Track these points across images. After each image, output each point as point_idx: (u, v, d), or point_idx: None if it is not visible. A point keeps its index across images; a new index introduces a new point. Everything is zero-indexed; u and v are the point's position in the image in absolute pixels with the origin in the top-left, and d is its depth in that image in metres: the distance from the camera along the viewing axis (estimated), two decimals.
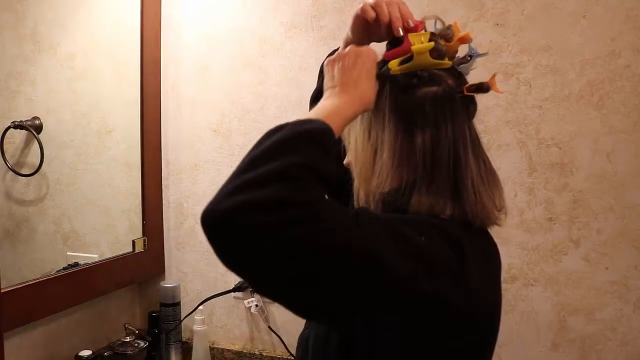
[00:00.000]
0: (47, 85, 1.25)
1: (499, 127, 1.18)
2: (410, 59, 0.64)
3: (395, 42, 0.68)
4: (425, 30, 0.67)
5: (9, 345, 1.05)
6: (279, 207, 0.46)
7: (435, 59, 0.64)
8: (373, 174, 0.64)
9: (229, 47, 1.43)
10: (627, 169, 1.10)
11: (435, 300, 0.53)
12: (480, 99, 0.66)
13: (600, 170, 1.12)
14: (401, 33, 0.66)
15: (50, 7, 1.25)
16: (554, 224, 1.15)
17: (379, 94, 0.65)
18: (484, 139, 1.16)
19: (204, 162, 1.47)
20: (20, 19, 1.18)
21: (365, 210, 0.55)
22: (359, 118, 0.65)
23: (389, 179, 0.63)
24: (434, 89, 0.63)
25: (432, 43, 0.64)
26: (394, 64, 0.64)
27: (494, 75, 0.66)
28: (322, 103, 0.61)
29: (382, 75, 0.65)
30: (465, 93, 0.64)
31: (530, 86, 1.16)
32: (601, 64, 1.10)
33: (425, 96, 0.63)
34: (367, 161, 0.65)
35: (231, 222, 0.46)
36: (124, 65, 1.42)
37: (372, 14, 0.67)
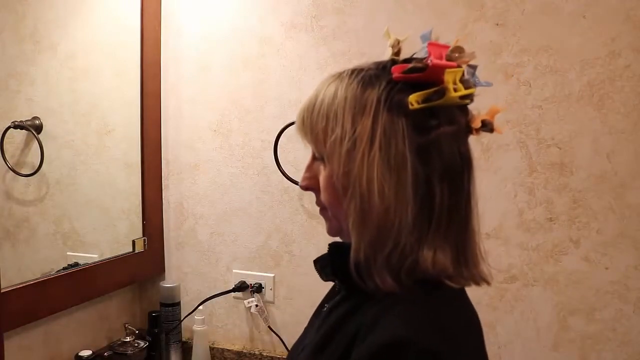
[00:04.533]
0: (47, 85, 1.25)
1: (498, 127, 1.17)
2: (439, 97, 0.53)
3: (414, 68, 0.54)
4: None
5: (9, 345, 1.05)
6: None
7: (462, 98, 0.55)
8: (389, 224, 0.54)
9: (229, 47, 1.43)
10: (627, 169, 1.10)
11: None
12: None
13: (600, 170, 1.12)
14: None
15: (50, 7, 1.25)
16: (554, 224, 1.15)
17: (391, 127, 0.54)
18: (484, 140, 1.18)
19: (204, 162, 1.47)
20: (20, 19, 1.18)
21: None
22: (376, 153, 0.54)
23: (406, 229, 0.54)
24: (449, 129, 0.55)
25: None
26: (415, 99, 0.53)
27: (495, 112, 0.58)
28: None
29: (399, 106, 0.54)
30: (475, 134, 0.58)
31: (530, 86, 1.16)
32: (601, 64, 1.10)
33: (443, 139, 0.55)
34: (386, 208, 0.53)
35: None
36: (124, 65, 1.42)
37: None
